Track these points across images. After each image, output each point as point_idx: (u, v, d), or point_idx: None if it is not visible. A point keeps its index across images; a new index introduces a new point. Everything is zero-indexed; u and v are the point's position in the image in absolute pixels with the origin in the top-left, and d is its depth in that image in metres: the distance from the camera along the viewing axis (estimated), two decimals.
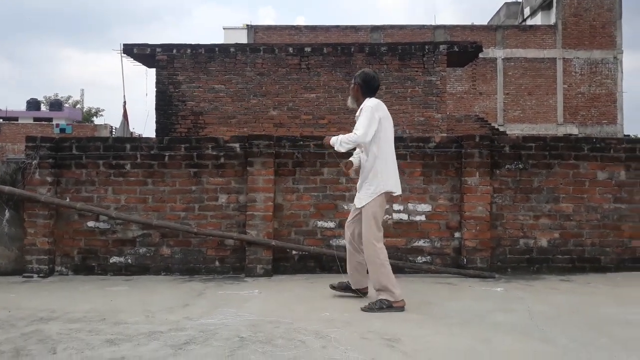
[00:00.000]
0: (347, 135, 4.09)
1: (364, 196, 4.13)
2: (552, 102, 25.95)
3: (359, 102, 4.26)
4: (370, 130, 4.03)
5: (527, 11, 30.30)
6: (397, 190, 4.20)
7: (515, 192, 5.52)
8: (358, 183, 4.29)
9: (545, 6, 27.74)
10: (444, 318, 3.81)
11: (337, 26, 26.15)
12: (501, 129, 22.63)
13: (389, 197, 4.26)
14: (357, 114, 4.20)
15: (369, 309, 3.98)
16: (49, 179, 5.35)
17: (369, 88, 4.23)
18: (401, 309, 4.00)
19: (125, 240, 5.41)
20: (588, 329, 3.53)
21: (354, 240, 4.26)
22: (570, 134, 24.35)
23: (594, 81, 26.06)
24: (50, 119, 36.19)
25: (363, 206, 4.12)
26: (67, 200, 5.40)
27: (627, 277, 5.30)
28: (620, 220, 5.58)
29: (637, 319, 3.78)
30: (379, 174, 4.08)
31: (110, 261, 5.40)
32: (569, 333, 3.43)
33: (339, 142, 4.10)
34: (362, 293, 4.37)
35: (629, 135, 26.01)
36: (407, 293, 4.24)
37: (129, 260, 5.40)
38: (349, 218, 4.36)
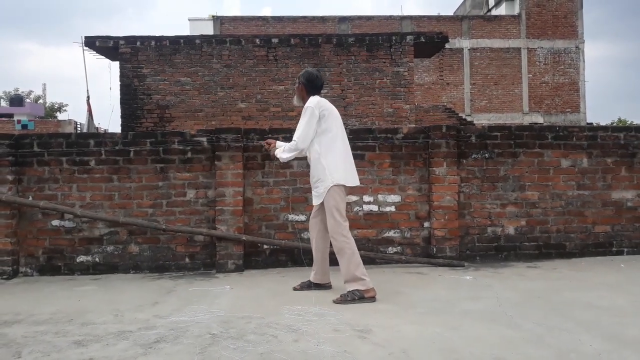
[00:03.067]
0: (287, 145, 4.25)
1: (318, 194, 4.20)
2: (518, 92, 26.46)
3: (304, 101, 4.35)
4: (308, 134, 4.15)
5: (491, 1, 30.73)
6: (350, 182, 4.22)
7: (482, 181, 5.61)
8: (310, 181, 4.34)
9: None
10: (415, 307, 3.85)
11: (305, 17, 26.08)
12: (469, 119, 22.98)
13: (348, 189, 4.27)
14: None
15: (341, 301, 4.00)
16: (9, 177, 5.18)
17: (313, 87, 4.33)
18: (373, 299, 4.03)
19: (92, 238, 5.30)
20: (553, 314, 3.62)
21: (320, 234, 4.33)
22: (536, 123, 24.92)
23: (558, 70, 26.66)
24: (11, 115, 35.03)
25: (320, 203, 4.20)
26: (30, 198, 5.25)
27: (590, 262, 5.46)
28: (584, 207, 5.73)
29: (599, 303, 3.90)
30: (326, 169, 4.13)
31: (77, 260, 5.28)
32: (535, 318, 3.52)
33: (282, 151, 4.28)
34: (326, 287, 4.42)
35: (591, 123, 26.73)
36: (379, 283, 4.28)
37: (97, 259, 5.29)
38: (312, 213, 4.40)
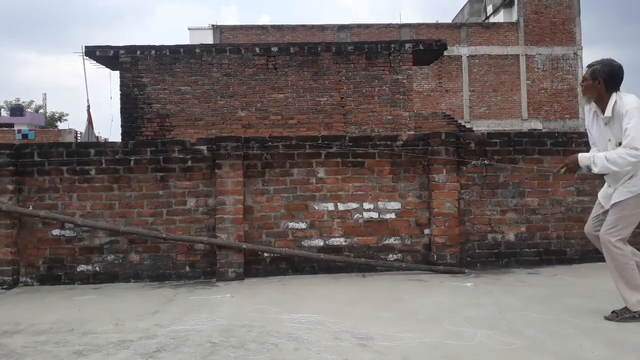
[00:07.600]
0: (618, 151, 3.39)
1: (622, 191, 3.51)
2: (517, 98, 26.50)
3: (602, 100, 3.57)
4: None
5: (489, 9, 30.85)
6: None
7: (482, 188, 5.61)
8: (610, 182, 3.67)
9: (507, 3, 28.30)
10: (416, 314, 3.85)
11: (304, 25, 26.17)
12: (468, 125, 22.98)
13: None
14: (605, 115, 3.55)
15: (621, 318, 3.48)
16: (10, 186, 5.19)
17: (615, 82, 3.48)
18: None
19: (93, 247, 5.29)
20: (555, 320, 3.61)
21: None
22: (535, 129, 24.96)
23: (556, 77, 26.72)
24: (11, 125, 35.13)
25: (616, 203, 3.53)
26: (30, 208, 5.25)
27: (591, 268, 5.45)
28: (584, 213, 5.72)
29: (601, 308, 3.88)
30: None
31: (78, 270, 5.28)
32: (536, 324, 3.51)
33: (605, 160, 3.41)
34: None
35: None
36: (379, 291, 4.28)
37: (97, 268, 5.29)
38: (593, 216, 3.79)
